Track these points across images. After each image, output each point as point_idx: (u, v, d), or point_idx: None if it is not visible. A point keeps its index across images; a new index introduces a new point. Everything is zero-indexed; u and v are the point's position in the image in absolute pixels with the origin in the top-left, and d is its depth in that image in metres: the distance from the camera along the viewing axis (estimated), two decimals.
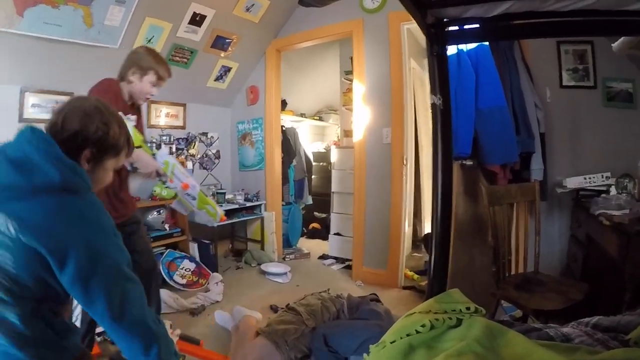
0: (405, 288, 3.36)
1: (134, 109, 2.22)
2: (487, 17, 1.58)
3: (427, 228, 4.71)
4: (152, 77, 2.08)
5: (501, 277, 2.20)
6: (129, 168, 2.09)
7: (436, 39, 1.69)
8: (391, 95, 3.40)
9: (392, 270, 3.44)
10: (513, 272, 2.28)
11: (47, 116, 3.03)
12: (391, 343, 1.01)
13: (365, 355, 1.10)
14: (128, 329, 1.05)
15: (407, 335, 1.01)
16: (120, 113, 1.95)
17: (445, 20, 1.67)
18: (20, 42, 2.67)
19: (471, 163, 2.61)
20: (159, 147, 3.89)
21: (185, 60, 3.71)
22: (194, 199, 2.20)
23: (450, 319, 1.04)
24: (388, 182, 3.44)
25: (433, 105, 1.71)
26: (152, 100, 2.26)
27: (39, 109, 3.09)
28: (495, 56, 2.61)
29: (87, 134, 1.14)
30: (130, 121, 2.16)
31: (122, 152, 1.27)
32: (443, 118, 1.71)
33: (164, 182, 2.16)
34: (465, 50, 2.58)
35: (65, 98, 3.10)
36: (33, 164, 1.01)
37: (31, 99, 3.04)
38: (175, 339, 1.86)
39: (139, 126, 2.26)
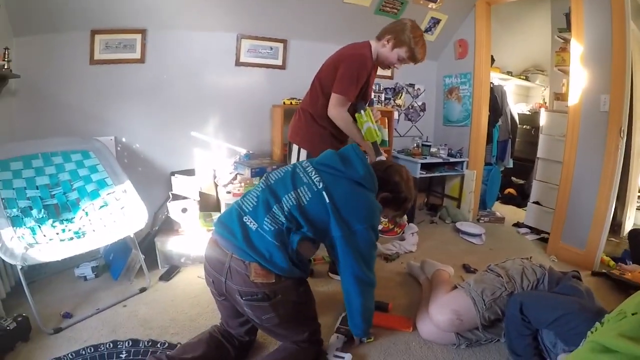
0: (597, 274, 2.98)
1: (375, 71, 2.34)
2: None
3: (631, 216, 3.95)
4: (404, 53, 2.15)
5: None
6: None
7: None
8: (612, 58, 2.87)
9: (589, 252, 3.09)
10: None
11: (260, 60, 3.46)
12: (632, 315, 1.01)
13: (597, 323, 1.13)
14: (359, 278, 1.58)
15: None
16: (374, 108, 2.40)
17: None
18: None
19: None
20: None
21: (395, 10, 3.71)
22: None
23: None
24: (600, 154, 2.98)
25: None
26: None
27: (253, 54, 3.48)
28: None
29: (398, 188, 1.73)
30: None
31: (392, 212, 1.84)
32: None
33: None
34: None
35: (277, 44, 3.50)
36: (351, 161, 1.58)
37: (246, 44, 3.44)
38: None
39: None
